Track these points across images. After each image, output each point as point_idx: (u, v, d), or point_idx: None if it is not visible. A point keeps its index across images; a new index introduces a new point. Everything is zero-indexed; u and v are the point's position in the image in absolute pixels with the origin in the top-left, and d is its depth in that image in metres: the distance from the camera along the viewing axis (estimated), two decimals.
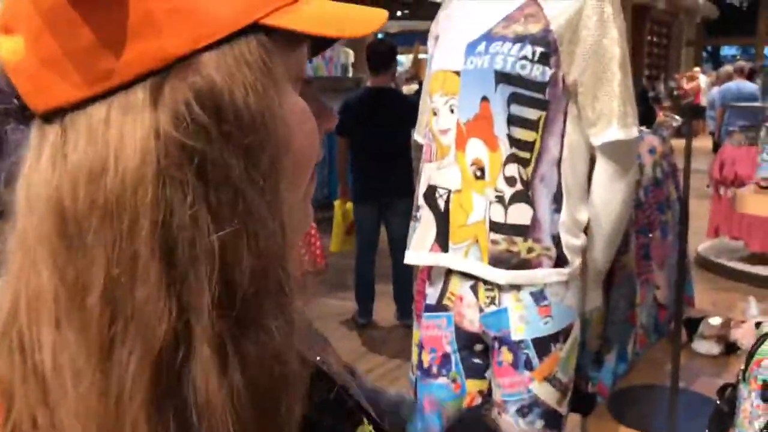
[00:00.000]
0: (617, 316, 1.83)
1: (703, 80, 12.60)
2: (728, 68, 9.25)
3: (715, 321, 1.97)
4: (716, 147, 6.08)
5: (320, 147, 0.48)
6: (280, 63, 0.42)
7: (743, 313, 2.02)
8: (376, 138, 3.86)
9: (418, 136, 1.66)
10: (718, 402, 1.57)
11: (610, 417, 1.60)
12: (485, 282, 1.39)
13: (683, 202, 1.61)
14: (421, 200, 1.49)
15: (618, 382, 1.80)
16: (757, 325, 1.90)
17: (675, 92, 11.93)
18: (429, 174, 1.47)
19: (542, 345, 1.37)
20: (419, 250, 1.48)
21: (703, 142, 9.38)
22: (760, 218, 4.97)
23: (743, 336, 1.93)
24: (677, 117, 2.38)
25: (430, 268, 1.52)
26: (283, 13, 0.42)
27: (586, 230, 1.43)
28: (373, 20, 0.46)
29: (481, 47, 1.37)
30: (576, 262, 1.39)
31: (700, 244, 5.30)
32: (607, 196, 1.39)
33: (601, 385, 1.84)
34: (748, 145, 5.05)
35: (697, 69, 13.93)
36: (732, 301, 3.86)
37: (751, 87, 7.72)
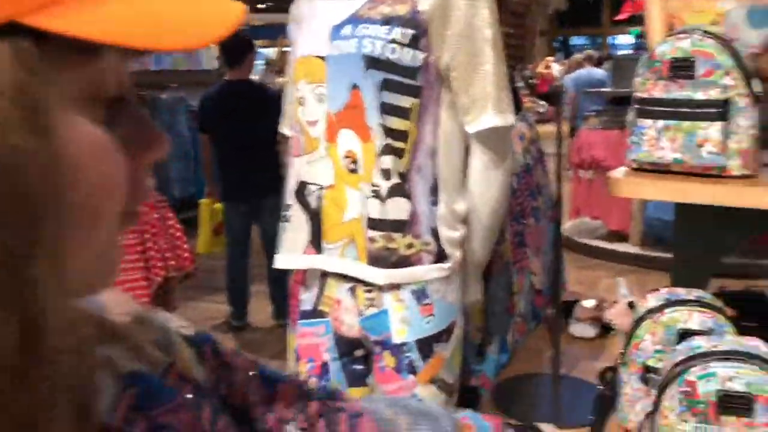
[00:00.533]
0: (497, 307, 1.81)
1: (555, 69, 13.24)
2: (578, 56, 9.75)
3: (589, 303, 1.99)
4: (572, 132, 6.36)
5: (143, 188, 0.36)
6: (59, 79, 0.31)
7: (614, 293, 2.05)
8: (238, 132, 3.72)
9: (284, 128, 1.54)
10: (599, 386, 1.56)
11: (495, 409, 1.56)
12: (364, 283, 1.30)
13: (557, 185, 1.59)
14: (290, 198, 1.37)
15: (500, 373, 1.77)
16: (631, 305, 1.93)
17: (531, 80, 12.45)
18: (298, 169, 1.36)
19: (425, 346, 1.30)
20: (291, 253, 1.36)
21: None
22: (616, 198, 5.24)
23: (616, 317, 1.96)
24: (542, 102, 2.40)
25: (304, 272, 1.41)
26: (64, 9, 0.31)
27: (465, 222, 1.37)
28: (218, 23, 0.35)
29: (347, 30, 1.27)
30: (456, 255, 1.33)
31: (563, 225, 5.52)
32: (485, 186, 1.34)
33: (484, 377, 1.81)
34: (602, 129, 5.30)
35: (550, 58, 14.62)
36: (596, 277, 4.02)
37: (601, 73, 8.16)
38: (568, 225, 5.58)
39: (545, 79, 12.13)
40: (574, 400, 1.57)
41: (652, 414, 1.17)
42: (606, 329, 1.93)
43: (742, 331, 1.31)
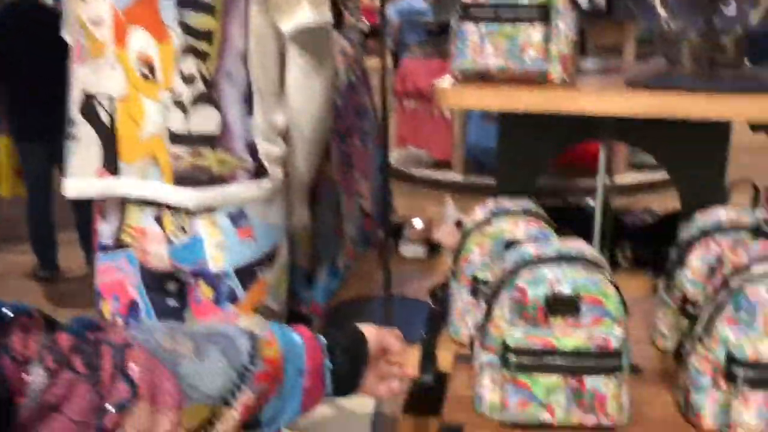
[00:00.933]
0: (325, 230, 1.72)
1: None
2: None
3: (418, 224, 1.96)
4: (396, 62, 6.37)
5: None
6: None
7: (440, 213, 2.04)
8: (28, 61, 3.30)
9: (64, 32, 1.31)
10: (430, 304, 1.54)
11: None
12: (171, 208, 1.15)
13: (382, 100, 1.51)
14: (75, 114, 1.17)
15: (331, 299, 1.70)
16: (458, 224, 1.93)
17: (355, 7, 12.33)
18: (82, 79, 1.16)
19: (246, 273, 1.18)
20: (82, 177, 1.17)
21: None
22: (440, 128, 5.34)
23: (444, 235, 1.94)
24: (365, 20, 2.30)
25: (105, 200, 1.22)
26: None
27: (285, 137, 1.25)
28: None
29: None
30: (277, 173, 1.21)
31: (390, 155, 5.55)
32: (305, 95, 1.21)
33: (315, 303, 1.72)
34: (424, 58, 5.33)
35: None
36: (424, 206, 4.08)
37: (421, 4, 8.21)
38: (394, 155, 5.63)
39: (368, 10, 12.05)
40: (407, 320, 1.53)
41: (482, 324, 1.15)
42: (435, 249, 1.92)
43: (561, 239, 1.32)
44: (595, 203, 1.73)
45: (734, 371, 1.01)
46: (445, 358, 1.38)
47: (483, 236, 1.38)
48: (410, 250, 1.92)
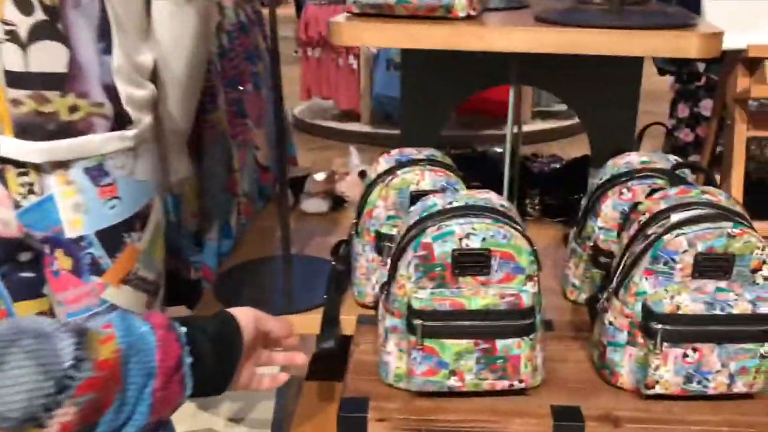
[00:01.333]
0: (214, 186, 1.56)
1: None
2: None
3: (320, 176, 1.83)
4: (299, 10, 6.10)
5: None
6: None
7: (346, 165, 1.91)
8: None
9: None
10: (333, 262, 1.42)
11: (219, 301, 1.35)
12: (14, 163, 0.97)
13: (273, 43, 1.35)
14: None
15: (224, 262, 1.56)
16: (362, 174, 1.81)
17: None
18: None
19: (111, 238, 1.01)
20: None
21: (286, 11, 9.50)
22: (346, 77, 5.16)
23: (348, 188, 1.82)
24: None
25: None
26: None
27: (155, 78, 1.08)
28: None
29: None
30: (144, 120, 1.04)
31: (295, 107, 5.36)
32: (175, 28, 1.05)
33: (205, 268, 1.58)
34: (328, 4, 5.11)
35: None
36: (330, 157, 3.93)
37: None
38: (300, 107, 5.43)
39: None
40: (308, 281, 1.41)
41: (386, 285, 1.04)
42: (339, 203, 1.79)
43: (469, 189, 1.22)
44: (503, 151, 1.65)
45: (652, 326, 0.95)
46: (349, 322, 1.28)
47: (387, 188, 1.27)
48: (312, 204, 1.79)
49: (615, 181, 1.24)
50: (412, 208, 1.08)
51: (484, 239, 0.97)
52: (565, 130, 4.92)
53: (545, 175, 1.82)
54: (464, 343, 0.96)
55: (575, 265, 1.32)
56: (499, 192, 1.14)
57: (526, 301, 0.97)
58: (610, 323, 1.02)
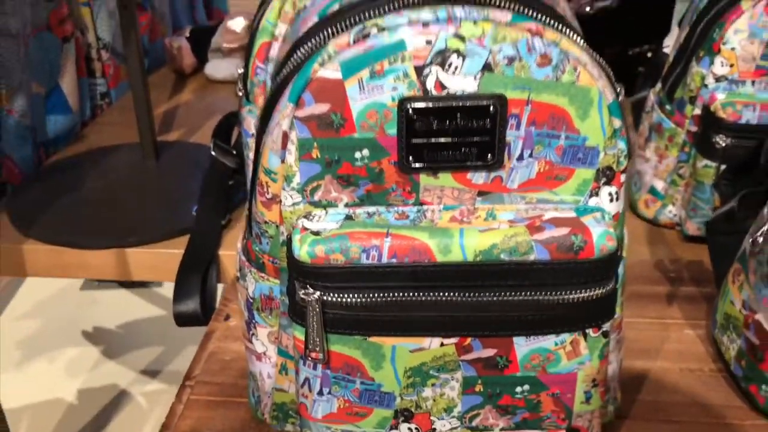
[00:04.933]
0: None
1: None
2: None
3: (237, 24, 1.23)
4: None
5: None
6: None
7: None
8: None
9: None
10: (213, 152, 0.80)
11: (15, 228, 0.74)
12: None
13: None
14: None
15: (49, 153, 0.93)
16: None
17: None
18: None
19: None
20: None
21: None
22: None
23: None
24: None
25: None
26: None
27: None
28: None
29: None
30: None
31: None
32: None
33: (7, 161, 0.95)
34: None
35: None
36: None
37: None
38: None
39: None
40: (180, 184, 0.81)
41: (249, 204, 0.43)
42: None
43: None
44: None
45: None
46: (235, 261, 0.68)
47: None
48: (220, 67, 1.18)
49: None
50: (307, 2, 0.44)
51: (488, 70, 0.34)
52: None
53: (583, 19, 1.15)
54: None
55: (658, 155, 0.70)
56: None
57: (599, 246, 0.35)
58: None
